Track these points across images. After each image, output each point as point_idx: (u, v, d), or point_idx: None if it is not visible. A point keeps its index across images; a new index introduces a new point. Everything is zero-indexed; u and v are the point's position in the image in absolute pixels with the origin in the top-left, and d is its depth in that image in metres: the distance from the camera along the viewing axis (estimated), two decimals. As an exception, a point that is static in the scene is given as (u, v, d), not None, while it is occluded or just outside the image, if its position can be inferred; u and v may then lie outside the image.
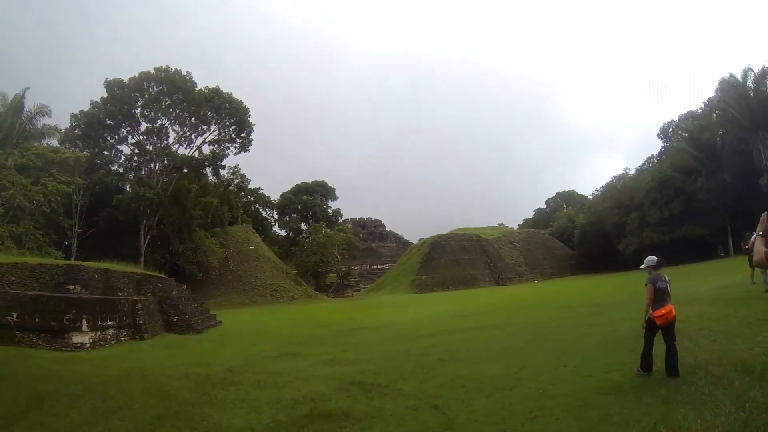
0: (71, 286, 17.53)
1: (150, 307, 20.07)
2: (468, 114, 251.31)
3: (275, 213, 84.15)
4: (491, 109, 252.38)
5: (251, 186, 77.61)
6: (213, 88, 48.53)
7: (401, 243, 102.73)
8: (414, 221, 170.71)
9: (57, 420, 7.66)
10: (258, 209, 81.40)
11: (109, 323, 16.81)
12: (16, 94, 38.21)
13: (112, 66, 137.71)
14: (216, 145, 49.94)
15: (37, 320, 15.13)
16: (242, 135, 50.31)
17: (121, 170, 48.03)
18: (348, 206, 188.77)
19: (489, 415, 6.86)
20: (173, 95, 45.64)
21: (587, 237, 67.94)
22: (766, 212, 10.40)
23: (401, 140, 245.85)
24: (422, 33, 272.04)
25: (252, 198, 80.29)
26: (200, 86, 48.38)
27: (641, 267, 8.82)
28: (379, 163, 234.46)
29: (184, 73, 46.53)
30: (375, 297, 57.73)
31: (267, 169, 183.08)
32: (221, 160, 51.32)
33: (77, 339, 15.29)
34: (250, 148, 51.71)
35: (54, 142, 42.72)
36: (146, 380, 10.67)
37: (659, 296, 7.97)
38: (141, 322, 18.47)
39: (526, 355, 11.15)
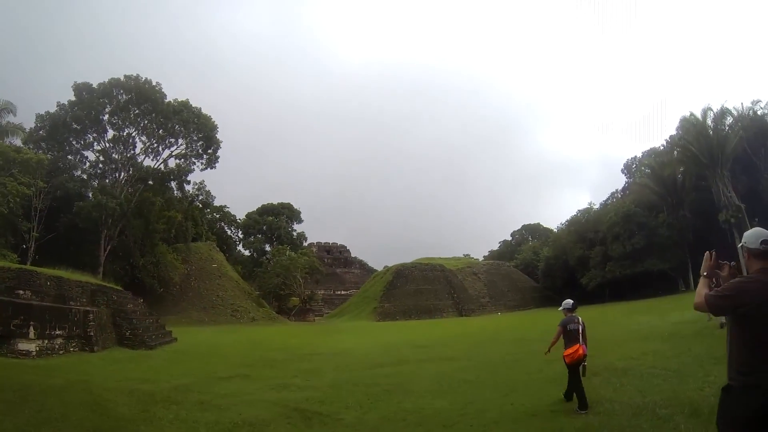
0: (21, 292, 17.20)
1: (102, 319, 19.72)
2: (437, 143, 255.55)
3: (240, 232, 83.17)
4: (459, 138, 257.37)
5: (216, 203, 77.01)
6: (182, 101, 48.20)
7: (366, 270, 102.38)
8: (380, 248, 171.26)
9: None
10: (223, 227, 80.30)
11: (58, 332, 16.51)
12: None
13: (79, 69, 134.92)
14: (182, 160, 49.49)
15: (-19, 324, 14.80)
16: (209, 151, 49.83)
17: (84, 176, 46.96)
18: (314, 230, 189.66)
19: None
20: (142, 105, 45.11)
21: (551, 270, 68.92)
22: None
23: (370, 168, 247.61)
24: (396, 56, 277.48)
25: (217, 216, 79.26)
26: (169, 98, 48.09)
27: (559, 309, 9.68)
28: (347, 190, 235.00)
29: (154, 83, 46.26)
30: (336, 323, 57.22)
31: (234, 187, 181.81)
32: (186, 175, 50.52)
33: (23, 346, 15.02)
34: (217, 164, 51.28)
35: (17, 141, 41.83)
36: (87, 393, 10.49)
37: (570, 337, 8.72)
38: (92, 333, 18.16)
39: (476, 390, 11.24)
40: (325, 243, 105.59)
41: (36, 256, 37.49)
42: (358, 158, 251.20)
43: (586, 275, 60.04)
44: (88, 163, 46.69)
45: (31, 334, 15.13)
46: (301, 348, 24.25)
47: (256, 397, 11.29)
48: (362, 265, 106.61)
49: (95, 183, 45.72)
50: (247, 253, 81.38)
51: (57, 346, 16.34)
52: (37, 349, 15.27)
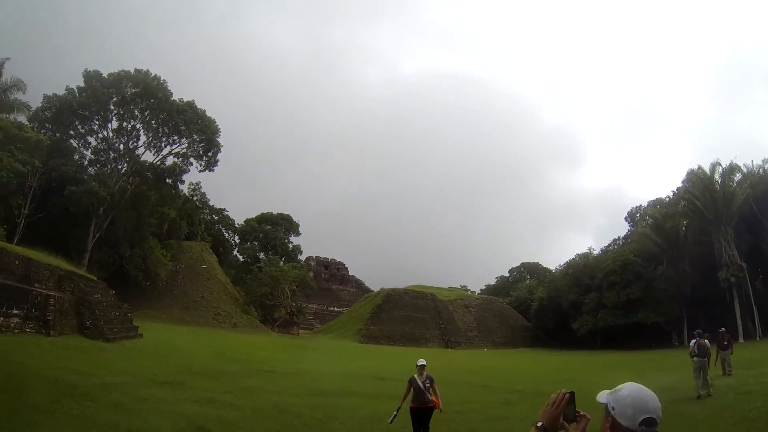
0: (-19, 268, 17.74)
1: (65, 305, 20.26)
2: (445, 173, 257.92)
3: (236, 237, 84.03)
4: (469, 170, 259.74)
5: (218, 206, 78.30)
6: (188, 101, 49.53)
7: (362, 289, 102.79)
8: (378, 270, 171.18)
9: None
10: (221, 230, 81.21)
11: (15, 312, 17.03)
12: None
13: (90, 58, 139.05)
14: (180, 159, 50.60)
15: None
16: (209, 153, 50.98)
17: (85, 162, 48.24)
18: (314, 245, 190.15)
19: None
20: (148, 100, 46.40)
21: (544, 311, 68.38)
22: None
23: (378, 192, 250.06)
24: (418, 84, 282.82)
25: (216, 218, 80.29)
26: (184, 97, 49.58)
27: (418, 363, 10.53)
28: (352, 210, 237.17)
29: (162, 80, 47.58)
30: (318, 339, 57.47)
31: (240, 193, 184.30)
32: (182, 174, 51.55)
33: (-23, 323, 15.50)
34: (216, 167, 52.54)
35: (22, 119, 42.75)
36: (14, 375, 11.02)
37: (418, 393, 9.93)
38: (50, 318, 18.69)
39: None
40: (324, 258, 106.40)
41: (25, 232, 38.36)
42: (367, 182, 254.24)
43: (578, 320, 59.33)
44: (90, 149, 48.02)
45: (-14, 312, 15.68)
46: (260, 362, 24.66)
47: (174, 407, 11.68)
48: (358, 284, 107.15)
49: (92, 170, 46.76)
50: (241, 258, 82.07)
51: (12, 325, 16.85)
52: (-10, 327, 15.80)
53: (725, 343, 19.98)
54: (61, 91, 46.17)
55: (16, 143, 37.22)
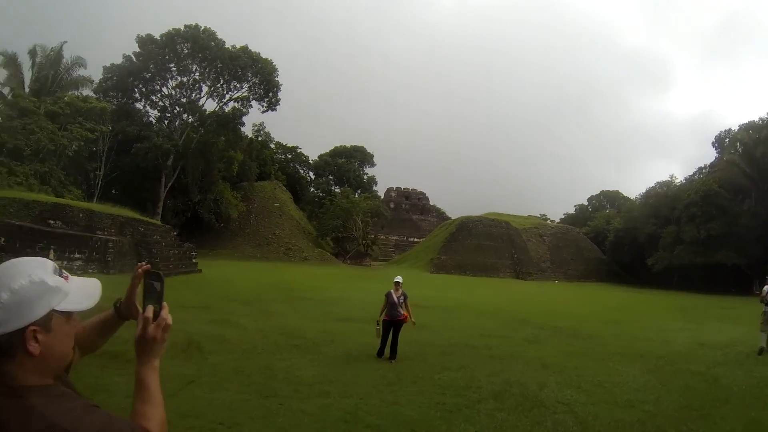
0: (52, 221, 22.29)
1: (123, 247, 24.68)
2: (524, 95, 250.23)
3: (311, 174, 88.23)
4: (549, 92, 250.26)
5: (290, 144, 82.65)
6: (241, 47, 52.63)
7: (443, 218, 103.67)
8: (458, 199, 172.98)
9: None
10: (296, 168, 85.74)
11: (78, 256, 21.42)
12: (52, 48, 44.16)
13: (141, 23, 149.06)
14: (241, 102, 54.44)
15: (17, 246, 19.92)
16: (270, 94, 54.46)
17: (153, 120, 53.68)
18: (395, 175, 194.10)
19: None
20: (203, 52, 50.01)
21: (620, 243, 66.33)
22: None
23: (457, 121, 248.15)
24: (491, 10, 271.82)
25: (290, 156, 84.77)
26: (235, 42, 53.03)
27: (394, 280, 12.46)
28: (428, 138, 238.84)
29: (212, 31, 51.02)
30: (387, 270, 58.69)
31: (313, 130, 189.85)
32: (241, 117, 55.35)
33: (45, 265, 19.83)
34: (278, 107, 56.18)
35: (87, 92, 48.62)
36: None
37: (392, 306, 11.81)
38: (109, 259, 23.06)
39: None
40: (404, 189, 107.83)
41: (102, 192, 44.74)
42: (445, 113, 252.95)
43: (654, 256, 56.87)
44: (158, 108, 53.34)
45: (51, 255, 20.03)
46: (305, 291, 27.01)
47: (182, 326, 12.99)
48: (439, 214, 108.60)
49: (157, 127, 52.29)
50: (317, 193, 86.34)
51: (76, 267, 21.27)
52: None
53: None
54: (118, 61, 51.12)
55: (83, 114, 42.46)
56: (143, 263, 1.88)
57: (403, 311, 11.85)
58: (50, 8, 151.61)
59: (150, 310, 1.72)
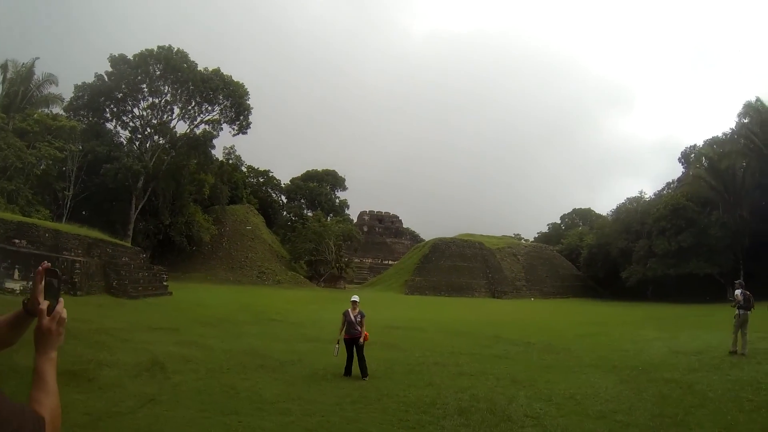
0: (17, 241, 22.03)
1: (91, 268, 24.40)
2: (497, 120, 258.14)
3: (283, 197, 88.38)
4: (520, 116, 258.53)
5: (262, 168, 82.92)
6: (214, 69, 52.99)
7: (416, 240, 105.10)
8: (432, 222, 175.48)
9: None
10: (268, 191, 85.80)
11: (43, 276, 21.01)
12: (23, 64, 44.16)
13: (114, 42, 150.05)
14: (212, 125, 54.53)
15: (-20, 264, 19.54)
16: (241, 117, 54.71)
17: (123, 140, 53.36)
18: (368, 200, 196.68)
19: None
20: (174, 74, 50.13)
21: (593, 259, 67.80)
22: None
23: (430, 144, 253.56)
24: (463, 32, 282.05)
25: (261, 180, 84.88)
26: (210, 66, 53.35)
27: (351, 299, 12.90)
28: (400, 161, 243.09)
29: (184, 53, 51.07)
30: (361, 292, 58.86)
31: (285, 154, 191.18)
32: (211, 140, 55.67)
33: (9, 285, 19.83)
34: (248, 129, 56.38)
35: (58, 110, 48.65)
36: (34, 324, 14.38)
37: (350, 325, 12.21)
38: (76, 280, 22.81)
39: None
40: (377, 212, 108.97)
41: (71, 213, 44.22)
42: (418, 134, 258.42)
43: (627, 269, 58.28)
44: (128, 128, 52.95)
45: (16, 275, 19.91)
46: (276, 313, 27.01)
47: (148, 347, 13.92)
48: (413, 236, 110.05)
49: (127, 147, 51.91)
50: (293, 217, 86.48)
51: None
52: (21, 288, 19.99)
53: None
54: (90, 79, 50.89)
55: (52, 132, 42.32)
56: (45, 262, 1.96)
57: (360, 329, 12.13)
58: (23, 23, 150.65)
59: (45, 304, 1.81)
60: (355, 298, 12.79)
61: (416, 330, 23.71)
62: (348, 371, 12.02)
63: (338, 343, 12.25)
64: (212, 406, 9.16)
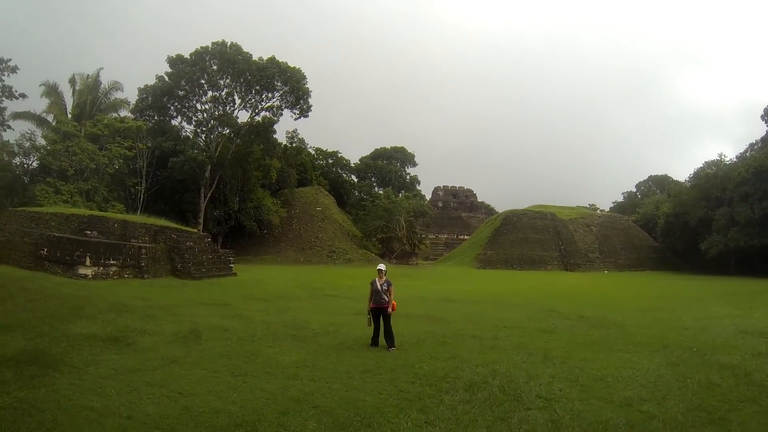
0: (89, 232, 24.39)
1: (156, 253, 26.56)
2: (568, 86, 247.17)
3: (354, 177, 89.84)
4: (594, 88, 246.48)
5: (330, 150, 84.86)
6: (269, 58, 54.48)
7: (491, 214, 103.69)
8: (506, 194, 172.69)
9: (10, 314, 13.37)
10: (339, 172, 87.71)
11: (112, 262, 23.36)
12: (89, 75, 48.62)
13: (170, 44, 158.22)
14: (271, 112, 56.62)
15: (58, 254, 22.21)
16: (300, 101, 56.24)
17: (189, 134, 56.43)
18: (439, 177, 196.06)
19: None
20: (231, 66, 52.28)
21: (671, 229, 63.78)
22: None
23: (501, 119, 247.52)
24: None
25: (331, 161, 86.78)
26: (267, 56, 55.18)
27: (378, 267, 13.14)
28: (475, 134, 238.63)
29: (238, 45, 53.28)
30: (433, 268, 59.76)
31: (359, 136, 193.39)
32: (272, 125, 57.55)
33: (82, 271, 21.98)
34: (309, 113, 57.74)
35: (125, 113, 52.98)
36: (98, 302, 16.29)
37: (377, 294, 12.46)
38: (143, 264, 24.98)
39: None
40: (451, 187, 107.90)
41: (144, 206, 48.10)
42: (489, 108, 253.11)
43: (707, 240, 54.56)
44: (193, 123, 55.96)
45: (88, 262, 22.12)
46: (333, 290, 28.19)
47: (193, 319, 15.21)
48: (488, 210, 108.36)
49: (192, 140, 54.90)
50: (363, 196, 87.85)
51: (111, 273, 23.24)
52: (92, 273, 22.20)
53: None
54: (151, 82, 54.02)
55: (121, 134, 46.31)
56: None
57: (387, 298, 12.33)
58: (86, 38, 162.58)
59: None
60: (382, 266, 12.94)
61: (471, 303, 23.95)
62: (375, 341, 12.35)
63: (369, 313, 12.52)
64: (226, 369, 10.06)
